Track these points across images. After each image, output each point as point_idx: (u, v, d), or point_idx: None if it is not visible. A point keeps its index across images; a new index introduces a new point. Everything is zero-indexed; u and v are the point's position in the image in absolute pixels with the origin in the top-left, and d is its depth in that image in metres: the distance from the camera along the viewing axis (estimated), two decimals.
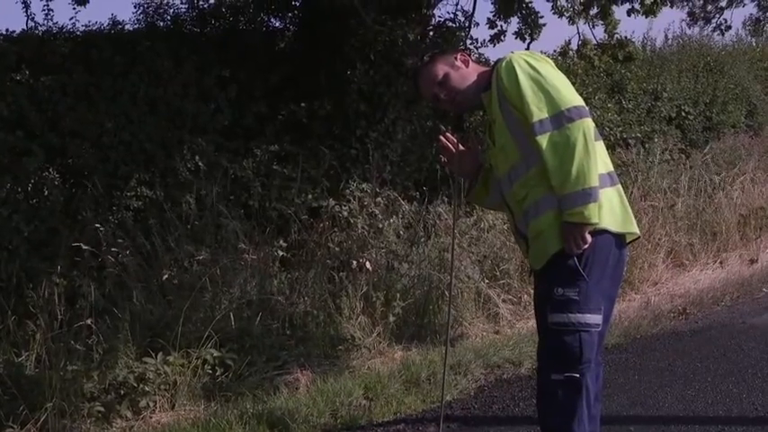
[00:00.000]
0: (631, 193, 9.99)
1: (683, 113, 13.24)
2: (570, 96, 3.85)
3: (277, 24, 9.95)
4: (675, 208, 10.27)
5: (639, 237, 4.23)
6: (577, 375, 3.89)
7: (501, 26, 10.50)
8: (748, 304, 8.52)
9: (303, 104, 8.65)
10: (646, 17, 10.16)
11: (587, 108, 3.87)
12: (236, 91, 8.56)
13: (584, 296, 3.86)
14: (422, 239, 8.11)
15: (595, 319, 3.89)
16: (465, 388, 6.23)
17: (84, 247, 6.68)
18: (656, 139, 11.97)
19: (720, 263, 9.97)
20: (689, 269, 9.67)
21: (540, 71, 3.92)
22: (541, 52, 11.82)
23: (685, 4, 12.83)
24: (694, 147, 12.82)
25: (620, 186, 4.01)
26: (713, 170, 11.80)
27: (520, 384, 6.25)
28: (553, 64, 4.05)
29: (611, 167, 4.02)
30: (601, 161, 3.86)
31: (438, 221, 8.36)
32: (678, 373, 6.38)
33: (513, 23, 10.57)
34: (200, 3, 9.67)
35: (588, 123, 3.79)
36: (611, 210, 3.90)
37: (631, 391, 6.06)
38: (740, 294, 8.83)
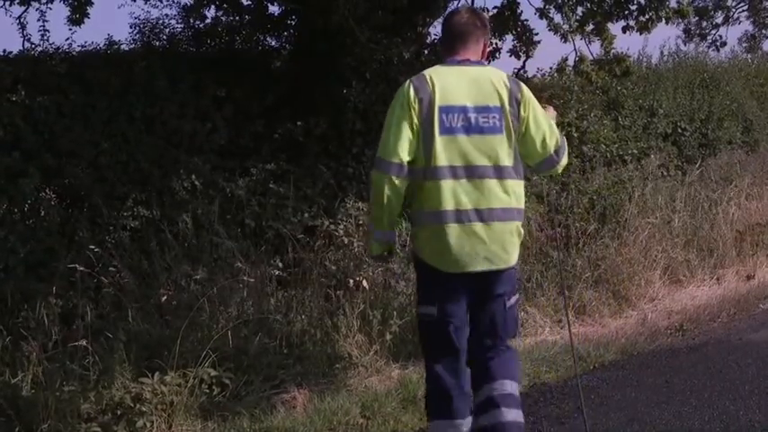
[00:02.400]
0: (628, 209, 9.99)
1: (679, 130, 13.23)
2: (382, 145, 4.51)
3: (273, 44, 9.97)
4: (672, 224, 10.28)
5: (493, 269, 4.56)
6: (428, 361, 4.69)
7: (496, 44, 10.51)
8: (745, 321, 8.52)
9: (299, 123, 8.65)
10: (640, 33, 10.18)
11: (387, 160, 4.46)
12: (232, 110, 8.57)
13: (418, 290, 4.82)
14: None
15: (425, 309, 4.62)
16: None
17: (80, 268, 6.66)
18: (652, 156, 11.96)
19: (717, 279, 9.97)
20: (686, 285, 9.67)
21: (389, 111, 4.58)
22: (537, 69, 11.90)
23: (681, 20, 12.84)
24: (690, 163, 12.81)
25: (467, 225, 4.43)
26: (710, 186, 11.81)
27: None
28: (403, 102, 4.50)
29: (444, 207, 4.43)
30: (428, 199, 4.46)
31: None
32: (675, 389, 6.39)
33: (508, 41, 10.61)
34: (196, 22, 9.68)
35: (378, 177, 4.51)
36: (428, 242, 4.55)
37: (628, 407, 6.07)
38: (737, 311, 8.82)
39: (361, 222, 8.12)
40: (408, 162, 4.48)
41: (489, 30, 4.96)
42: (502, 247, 4.50)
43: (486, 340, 4.67)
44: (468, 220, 4.44)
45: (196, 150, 8.26)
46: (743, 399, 6.18)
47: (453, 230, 4.44)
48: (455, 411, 4.55)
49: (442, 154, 4.43)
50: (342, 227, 8.05)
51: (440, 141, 4.44)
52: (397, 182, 4.47)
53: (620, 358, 7.33)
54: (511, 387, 4.62)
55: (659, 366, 7.06)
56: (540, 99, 4.92)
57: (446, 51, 4.80)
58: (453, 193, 4.43)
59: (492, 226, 4.46)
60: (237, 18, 9.72)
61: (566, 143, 4.87)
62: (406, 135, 4.45)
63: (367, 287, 7.38)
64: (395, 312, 7.29)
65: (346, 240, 7.98)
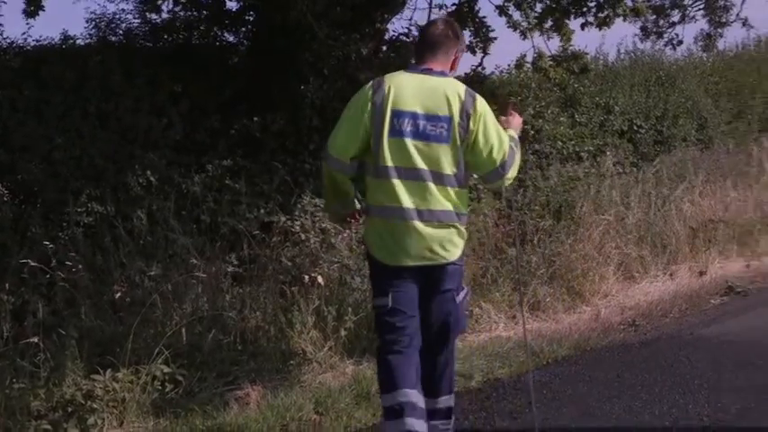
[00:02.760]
0: (582, 206, 10.07)
1: (635, 127, 13.34)
2: (330, 136, 4.84)
3: (230, 39, 9.95)
4: (626, 221, 10.37)
5: (427, 263, 4.78)
6: (381, 347, 4.87)
7: None
8: (696, 316, 8.63)
9: (256, 119, 8.65)
10: (599, 29, 10.22)
11: (330, 154, 4.81)
12: (188, 106, 8.55)
13: (372, 283, 5.06)
14: None
15: (379, 301, 4.84)
16: None
17: (33, 264, 6.62)
18: (608, 153, 12.06)
19: (670, 275, 10.07)
20: (639, 281, 9.77)
21: (346, 107, 4.88)
22: (496, 66, 11.95)
23: (637, 18, 12.90)
24: (646, 160, 12.93)
25: (409, 222, 4.67)
26: (664, 183, 11.92)
27: (470, 397, 6.28)
28: (358, 102, 4.78)
29: (390, 203, 4.68)
30: (376, 195, 4.74)
31: None
32: (626, 384, 6.45)
33: (466, 36, 10.61)
34: (153, 17, 9.65)
35: (323, 163, 4.96)
36: (374, 236, 4.85)
37: (580, 402, 6.12)
38: (689, 306, 8.93)
39: (317, 219, 8.13)
40: (358, 158, 4.79)
41: (462, 41, 5.16)
42: (440, 245, 4.73)
43: (436, 335, 4.91)
44: (410, 218, 4.67)
45: (151, 146, 8.23)
46: (692, 393, 6.26)
47: (396, 227, 4.70)
48: (403, 383, 4.75)
49: (389, 155, 4.65)
50: (298, 223, 8.04)
51: (388, 143, 4.65)
52: (333, 173, 4.87)
53: (573, 354, 7.38)
54: (445, 402, 4.98)
55: (611, 361, 7.13)
56: (506, 105, 5.29)
57: (415, 57, 5.01)
58: (397, 192, 4.66)
59: (432, 225, 4.69)
60: (195, 13, 9.71)
61: (516, 158, 4.97)
62: (351, 134, 4.74)
63: (322, 283, 7.39)
64: (350, 308, 7.29)
65: (303, 236, 7.98)
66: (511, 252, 8.85)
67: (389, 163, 4.65)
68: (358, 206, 5.09)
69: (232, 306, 7.24)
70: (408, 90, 4.71)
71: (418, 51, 5.00)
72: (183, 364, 6.30)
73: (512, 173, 4.94)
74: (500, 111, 5.21)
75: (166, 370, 6.12)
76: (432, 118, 4.66)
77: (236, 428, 5.59)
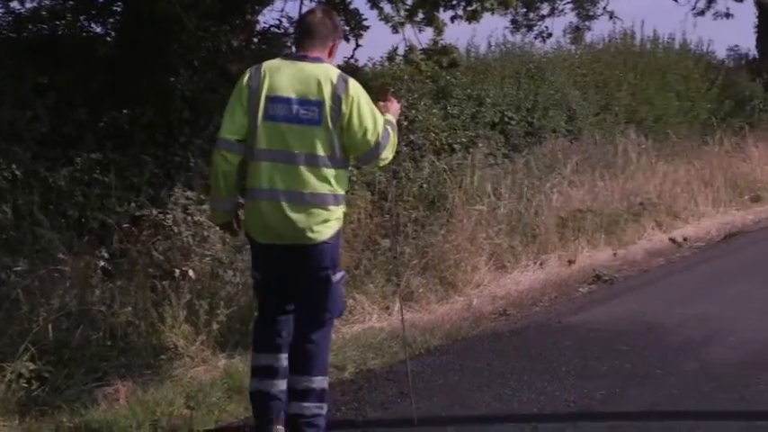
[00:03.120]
0: (454, 197, 10.20)
1: (506, 119, 13.55)
2: (221, 127, 5.10)
3: (98, 30, 9.74)
4: (497, 211, 10.53)
5: (299, 244, 5.02)
6: (258, 312, 5.41)
7: None
8: (565, 304, 8.84)
9: (125, 111, 8.49)
10: (469, 23, 10.35)
11: (219, 137, 5.09)
12: (54, 98, 8.34)
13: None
14: (248, 246, 8.07)
15: (253, 272, 5.34)
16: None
17: None
18: (480, 144, 12.22)
19: (540, 264, 10.29)
20: (510, 271, 9.95)
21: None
22: (369, 58, 12.00)
23: (506, 11, 13.12)
24: (517, 151, 13.16)
25: (277, 203, 4.93)
26: (534, 174, 12.15)
27: (342, 388, 6.32)
28: (237, 89, 5.08)
29: (261, 185, 4.95)
30: (252, 177, 4.99)
31: None
32: (496, 372, 6.57)
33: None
34: (17, 7, 9.39)
35: (214, 153, 5.15)
36: (249, 215, 5.12)
37: (450, 391, 6.21)
38: (558, 294, 9.16)
39: (189, 212, 8.05)
40: (242, 141, 5.00)
41: (340, 30, 5.54)
42: (308, 226, 4.93)
43: (311, 312, 5.18)
44: (279, 199, 4.91)
45: (16, 139, 7.99)
46: (560, 380, 6.42)
47: (266, 207, 4.96)
48: (270, 348, 5.24)
49: (264, 138, 4.93)
50: (170, 216, 7.96)
51: (263, 127, 4.93)
52: (228, 156, 5.03)
53: (446, 343, 7.49)
54: (319, 383, 5.15)
55: (482, 350, 7.25)
56: (386, 93, 5.59)
57: (295, 45, 5.36)
58: (269, 174, 4.92)
59: (300, 207, 4.91)
60: (60, 3, 9.47)
61: (391, 139, 5.19)
62: (235, 118, 5.01)
63: (193, 277, 7.34)
64: (222, 302, 7.26)
65: (175, 230, 7.90)
66: (384, 244, 8.92)
67: (264, 146, 4.92)
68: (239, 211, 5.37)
69: (102, 301, 7.11)
70: (283, 76, 4.97)
71: (297, 39, 5.33)
72: (49, 360, 6.16)
73: (386, 153, 5.17)
74: (378, 97, 5.46)
75: (32, 367, 5.97)
76: (304, 102, 4.91)
77: (104, 425, 5.50)
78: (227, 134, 5.02)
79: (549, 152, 13.35)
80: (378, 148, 5.07)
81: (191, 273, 7.32)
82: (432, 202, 10.14)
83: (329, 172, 4.94)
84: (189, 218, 8.04)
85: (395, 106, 5.52)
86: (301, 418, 5.10)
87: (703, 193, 14.52)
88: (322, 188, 4.93)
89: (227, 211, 5.34)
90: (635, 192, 13.26)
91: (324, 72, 4.98)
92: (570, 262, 10.42)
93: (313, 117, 4.90)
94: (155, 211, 7.95)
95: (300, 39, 5.22)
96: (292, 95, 4.92)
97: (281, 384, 5.20)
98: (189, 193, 8.18)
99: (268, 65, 5.07)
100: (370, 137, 5.01)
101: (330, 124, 4.90)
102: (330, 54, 5.23)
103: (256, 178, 4.97)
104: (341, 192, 5.06)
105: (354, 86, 5.00)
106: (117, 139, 8.50)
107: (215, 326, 7.10)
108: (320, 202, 4.94)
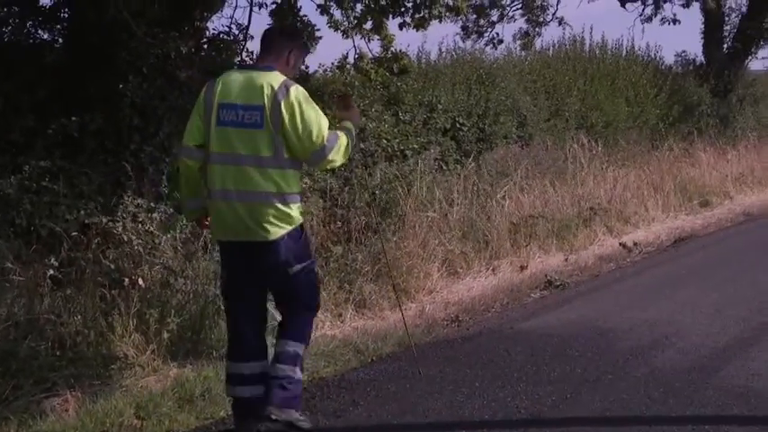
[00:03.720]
0: (408, 203, 10.20)
1: (458, 125, 13.59)
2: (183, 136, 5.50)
3: (45, 37, 9.65)
4: (449, 217, 10.54)
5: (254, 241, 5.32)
6: (228, 314, 5.68)
7: None
8: (517, 310, 8.86)
9: (74, 118, 8.41)
10: (417, 30, 10.42)
11: (182, 144, 5.54)
12: (1, 105, 8.25)
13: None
14: (199, 254, 8.04)
15: (222, 273, 5.62)
16: None
17: None
18: (431, 150, 12.24)
19: (493, 270, 10.30)
20: (463, 277, 9.96)
21: None
22: (320, 65, 12.02)
23: (456, 18, 13.17)
24: (469, 157, 13.19)
25: (230, 202, 5.26)
26: (486, 180, 12.19)
27: None
28: (198, 98, 5.46)
29: (216, 186, 5.30)
30: (209, 179, 5.35)
31: None
32: (448, 379, 6.56)
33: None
34: None
35: (180, 160, 5.62)
36: (211, 215, 5.50)
37: (402, 399, 6.20)
38: (510, 300, 9.17)
39: (140, 220, 7.99)
40: (201, 147, 5.37)
41: (297, 40, 5.83)
42: (258, 223, 5.24)
43: (282, 304, 5.63)
44: (230, 198, 5.25)
45: None
46: (511, 385, 6.43)
47: (222, 206, 5.31)
48: (242, 356, 5.52)
49: (215, 142, 5.28)
50: (120, 224, 7.88)
51: (215, 132, 5.29)
52: (188, 162, 5.46)
53: (398, 350, 7.47)
54: (294, 348, 5.51)
55: (434, 357, 7.24)
56: (347, 100, 6.03)
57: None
58: (221, 176, 5.27)
59: (249, 206, 5.24)
60: (6, 9, 9.36)
61: (340, 143, 5.43)
62: (193, 126, 5.41)
63: (143, 285, 7.28)
64: (173, 311, 7.22)
65: (125, 238, 7.82)
66: (336, 251, 8.90)
67: (216, 149, 5.28)
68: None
69: (51, 310, 7.02)
70: (234, 84, 5.32)
71: (259, 52, 5.70)
72: None
73: (333, 155, 5.40)
74: (339, 105, 5.98)
75: None
76: (248, 108, 5.24)
77: None
78: (186, 141, 5.43)
79: (500, 158, 13.39)
80: (323, 150, 5.32)
81: (140, 281, 7.27)
82: (384, 208, 10.13)
83: (274, 172, 5.24)
84: (139, 226, 7.95)
85: (354, 113, 5.88)
86: (274, 379, 5.41)
87: (653, 198, 14.62)
88: (268, 187, 5.23)
89: (195, 209, 5.72)
90: (586, 197, 13.31)
91: (268, 79, 5.28)
92: (522, 267, 10.45)
93: (255, 121, 5.22)
94: (104, 219, 7.87)
95: (260, 51, 5.63)
96: (238, 102, 5.26)
97: (257, 390, 5.45)
98: (139, 201, 8.10)
99: (223, 75, 5.44)
100: (315, 139, 5.26)
101: (271, 127, 5.20)
102: (288, 63, 5.52)
103: (211, 179, 5.32)
104: (290, 191, 5.32)
105: (296, 92, 5.26)
106: (66, 146, 8.43)
107: (165, 335, 7.05)
108: (266, 200, 5.24)
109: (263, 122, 5.21)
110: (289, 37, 5.67)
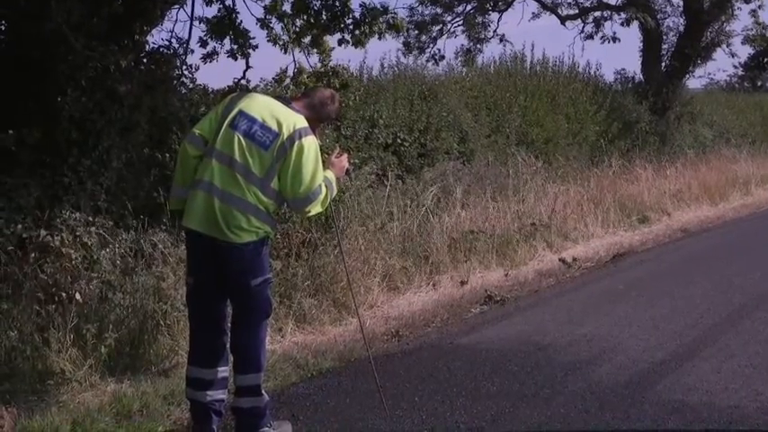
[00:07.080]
0: (347, 218, 10.21)
1: (399, 140, 13.64)
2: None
3: None
4: (389, 232, 10.57)
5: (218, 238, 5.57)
6: (190, 321, 5.92)
7: (215, 47, 10.65)
8: (457, 325, 8.90)
9: (11, 132, 8.31)
10: (356, 47, 10.47)
11: (190, 133, 5.93)
12: None
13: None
14: (138, 269, 7.99)
15: (188, 279, 5.83)
16: (179, 418, 6.21)
17: None
18: (372, 165, 12.27)
19: (433, 285, 10.34)
20: (403, 292, 9.98)
21: None
22: (261, 79, 12.01)
23: (397, 35, 13.24)
24: (410, 173, 13.24)
25: (211, 196, 5.53)
26: (427, 195, 12.23)
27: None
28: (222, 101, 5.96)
29: (204, 177, 5.58)
30: (200, 169, 5.65)
31: (154, 250, 8.26)
32: (388, 394, 6.54)
33: (228, 45, 10.70)
34: None
35: (182, 143, 6.06)
36: (187, 203, 5.68)
37: (341, 414, 6.23)
38: (450, 315, 9.21)
39: (78, 234, 7.92)
40: (205, 139, 5.71)
41: (332, 116, 6.27)
42: (228, 225, 5.49)
43: (238, 313, 5.79)
44: (212, 192, 5.53)
45: None
46: (450, 400, 6.47)
47: (201, 196, 5.57)
48: (204, 361, 5.75)
49: (220, 140, 5.61)
50: (58, 238, 7.80)
51: (224, 131, 5.62)
52: (188, 147, 5.79)
53: (338, 365, 7.48)
54: (254, 380, 5.73)
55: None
56: (347, 155, 6.47)
57: None
58: (213, 171, 5.56)
59: (226, 208, 5.49)
60: None
61: (322, 197, 5.78)
62: (208, 118, 5.82)
63: (80, 300, 7.22)
64: (111, 325, 7.17)
65: (63, 252, 7.74)
66: (276, 265, 8.89)
67: (217, 146, 5.59)
68: None
69: None
70: (261, 104, 5.73)
71: (301, 94, 6.35)
72: None
73: (311, 208, 5.78)
74: (338, 155, 6.28)
75: None
76: (266, 128, 5.58)
77: None
78: (194, 129, 5.83)
79: (441, 174, 13.45)
80: (305, 201, 5.69)
81: (78, 296, 7.20)
82: (325, 222, 10.13)
83: (257, 191, 5.54)
84: (77, 240, 7.89)
85: (341, 165, 6.24)
86: (239, 413, 5.75)
87: (593, 214, 14.76)
88: (250, 198, 5.52)
89: (180, 198, 5.85)
90: (526, 213, 13.42)
91: (293, 118, 5.65)
92: (462, 283, 10.49)
93: (265, 141, 5.56)
94: (42, 233, 7.78)
95: (302, 94, 6.24)
96: (258, 118, 5.62)
97: (216, 394, 5.74)
98: (77, 215, 8.03)
99: (254, 93, 6.07)
100: (304, 189, 5.62)
101: (275, 155, 5.54)
102: (311, 121, 5.78)
103: (202, 170, 5.61)
104: (265, 211, 5.61)
105: (309, 141, 5.62)
106: (3, 160, 8.31)
107: (103, 350, 7.00)
108: (244, 208, 5.51)
109: (271, 146, 5.55)
110: (331, 108, 6.05)
